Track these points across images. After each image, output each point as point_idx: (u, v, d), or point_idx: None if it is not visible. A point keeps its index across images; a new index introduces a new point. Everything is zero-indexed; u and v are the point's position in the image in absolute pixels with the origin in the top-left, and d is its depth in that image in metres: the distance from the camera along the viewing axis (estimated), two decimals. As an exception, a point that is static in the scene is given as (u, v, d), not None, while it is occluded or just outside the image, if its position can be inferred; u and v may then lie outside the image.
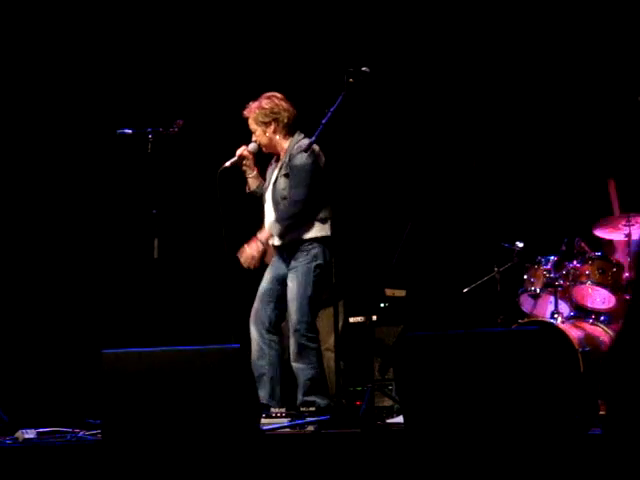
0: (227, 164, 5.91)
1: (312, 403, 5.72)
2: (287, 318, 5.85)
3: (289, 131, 5.93)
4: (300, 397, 5.78)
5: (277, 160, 5.98)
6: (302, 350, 5.76)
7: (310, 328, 5.79)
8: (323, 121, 5.53)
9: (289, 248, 5.85)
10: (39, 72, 7.77)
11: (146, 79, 7.90)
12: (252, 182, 5.99)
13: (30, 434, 5.22)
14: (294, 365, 5.76)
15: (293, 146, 5.85)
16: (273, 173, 5.96)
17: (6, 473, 4.41)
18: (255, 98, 5.99)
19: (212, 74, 7.98)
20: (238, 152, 5.93)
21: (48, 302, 7.72)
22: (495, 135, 7.81)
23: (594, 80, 7.43)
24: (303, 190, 5.75)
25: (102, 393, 4.47)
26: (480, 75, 7.79)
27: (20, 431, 5.20)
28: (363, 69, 5.61)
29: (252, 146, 5.94)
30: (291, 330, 5.78)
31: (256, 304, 5.89)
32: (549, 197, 7.59)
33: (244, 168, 5.96)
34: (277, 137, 5.89)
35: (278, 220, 5.83)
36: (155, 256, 5.80)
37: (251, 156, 5.94)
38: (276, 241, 5.90)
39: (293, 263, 5.82)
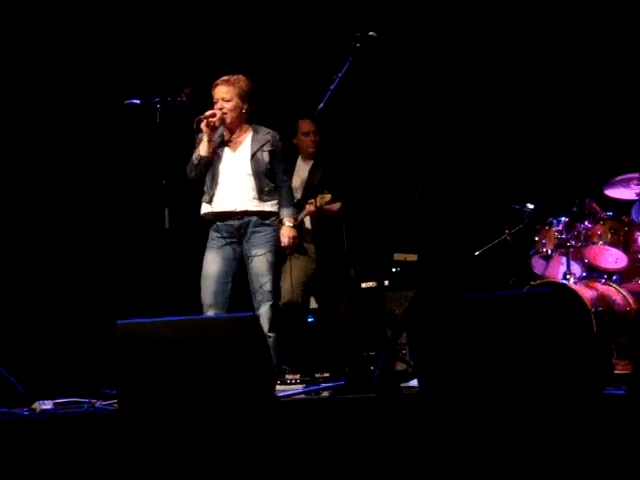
0: (206, 114, 5.92)
1: (284, 370, 5.91)
2: (254, 292, 5.89)
3: (250, 118, 6.07)
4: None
5: (230, 137, 6.05)
6: (276, 320, 5.90)
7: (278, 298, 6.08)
8: (331, 87, 5.52)
9: (248, 223, 5.93)
10: (47, 44, 7.75)
11: (153, 49, 7.88)
12: (206, 147, 5.97)
13: (47, 405, 5.25)
14: (271, 334, 5.78)
15: (268, 131, 6.04)
16: (240, 147, 6.00)
17: (24, 444, 4.44)
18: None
19: (218, 42, 7.95)
20: (217, 113, 5.94)
21: (63, 274, 7.75)
22: (505, 96, 7.77)
23: (603, 43, 7.41)
24: (288, 174, 6.23)
25: (117, 363, 4.50)
26: (490, 38, 7.75)
27: (37, 402, 5.24)
28: (370, 34, 5.59)
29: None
30: (265, 303, 5.85)
31: (212, 287, 5.91)
32: (559, 158, 7.56)
33: (207, 129, 5.93)
34: (244, 117, 6.03)
35: (262, 192, 5.93)
36: (166, 226, 5.81)
37: (219, 123, 5.97)
38: (234, 220, 5.94)
39: (256, 236, 5.92)
